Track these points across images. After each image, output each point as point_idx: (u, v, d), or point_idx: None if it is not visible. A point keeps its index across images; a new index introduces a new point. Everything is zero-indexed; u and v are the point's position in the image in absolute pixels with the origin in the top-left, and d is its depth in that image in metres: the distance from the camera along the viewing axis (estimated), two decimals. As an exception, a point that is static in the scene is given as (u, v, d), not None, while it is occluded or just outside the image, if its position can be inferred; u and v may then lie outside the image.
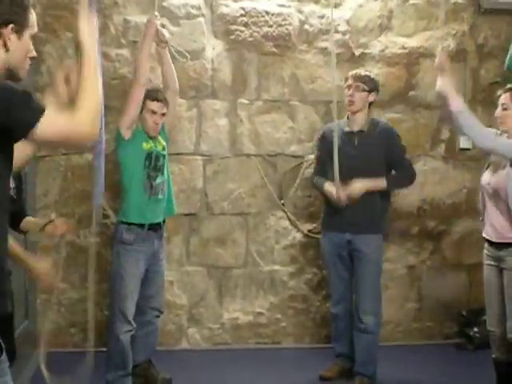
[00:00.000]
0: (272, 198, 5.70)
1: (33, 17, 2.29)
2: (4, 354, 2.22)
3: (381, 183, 4.72)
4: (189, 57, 4.96)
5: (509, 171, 3.95)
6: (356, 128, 4.78)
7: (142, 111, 4.55)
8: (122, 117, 4.56)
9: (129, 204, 4.56)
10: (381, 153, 4.74)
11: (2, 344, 2.20)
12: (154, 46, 4.71)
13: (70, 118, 2.17)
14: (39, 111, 2.09)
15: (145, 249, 4.55)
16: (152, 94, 4.57)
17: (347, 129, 4.80)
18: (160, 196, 4.61)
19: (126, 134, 4.53)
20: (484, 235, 4.19)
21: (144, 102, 4.53)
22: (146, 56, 4.52)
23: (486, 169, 4.20)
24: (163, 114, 4.61)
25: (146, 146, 4.57)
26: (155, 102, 4.55)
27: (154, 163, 4.59)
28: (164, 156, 4.68)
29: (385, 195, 4.84)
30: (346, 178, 4.64)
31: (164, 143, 4.73)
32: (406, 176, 4.88)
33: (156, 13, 4.68)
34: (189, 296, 5.65)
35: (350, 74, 4.82)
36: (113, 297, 4.59)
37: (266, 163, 5.70)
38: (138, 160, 4.55)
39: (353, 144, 4.76)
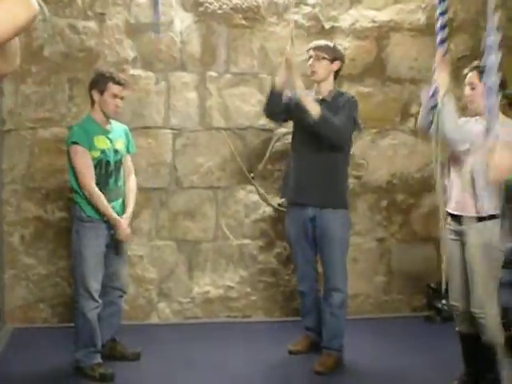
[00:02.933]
0: (241, 172, 5.68)
1: None
2: None
3: (316, 107, 4.60)
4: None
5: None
6: (321, 96, 4.76)
7: (102, 93, 4.48)
8: (76, 162, 4.44)
9: (82, 202, 4.49)
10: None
11: None
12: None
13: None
14: None
15: (104, 225, 4.51)
16: (115, 78, 4.50)
17: (314, 97, 4.78)
18: (114, 202, 4.56)
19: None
20: (449, 210, 4.20)
21: (106, 85, 4.46)
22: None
23: None
24: (123, 98, 4.55)
25: (95, 154, 4.45)
26: (117, 86, 4.49)
27: (104, 170, 4.50)
28: (119, 158, 4.60)
29: (344, 168, 4.82)
30: (306, 143, 4.69)
31: (123, 144, 4.65)
32: (331, 121, 4.59)
33: None
34: (158, 270, 5.64)
35: (310, 44, 4.78)
36: (75, 275, 4.54)
37: (236, 136, 5.67)
38: None
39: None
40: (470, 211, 4.02)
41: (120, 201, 4.64)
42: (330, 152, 4.66)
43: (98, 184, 4.46)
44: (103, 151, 4.49)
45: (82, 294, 4.46)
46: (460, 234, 4.09)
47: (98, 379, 4.44)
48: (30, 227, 5.44)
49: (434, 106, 3.99)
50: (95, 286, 4.47)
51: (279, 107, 4.76)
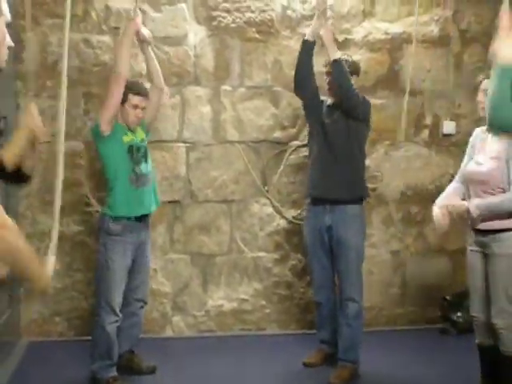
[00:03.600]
0: (256, 185, 5.69)
1: (4, 4, 2.25)
2: None
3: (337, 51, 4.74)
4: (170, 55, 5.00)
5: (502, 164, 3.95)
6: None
7: (123, 103, 4.51)
8: (101, 112, 4.53)
9: (116, 198, 4.52)
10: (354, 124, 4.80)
11: None
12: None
13: None
14: None
15: (132, 239, 4.53)
16: (135, 88, 4.55)
17: (330, 102, 4.88)
18: (146, 187, 4.59)
19: (106, 130, 4.48)
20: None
21: (126, 96, 4.49)
22: (125, 51, 4.49)
23: (471, 158, 4.19)
24: (144, 108, 4.59)
25: (126, 138, 4.54)
26: (138, 96, 4.53)
27: (136, 155, 4.56)
28: (144, 147, 4.66)
29: (361, 163, 4.86)
30: (327, 151, 4.76)
31: (143, 135, 4.70)
32: (348, 75, 4.73)
33: (138, 10, 4.65)
34: (173, 284, 5.64)
35: (329, 61, 4.80)
36: (99, 288, 4.56)
37: (250, 150, 5.68)
38: (121, 154, 4.51)
39: (331, 116, 4.82)
40: (494, 225, 4.00)
41: (154, 187, 4.68)
42: (346, 146, 4.73)
43: (133, 169, 4.52)
44: (132, 140, 4.58)
45: (104, 308, 4.47)
46: (482, 245, 4.07)
47: (113, 393, 4.46)
48: (45, 240, 5.45)
49: None
50: (118, 299, 4.49)
51: (310, 65, 4.85)
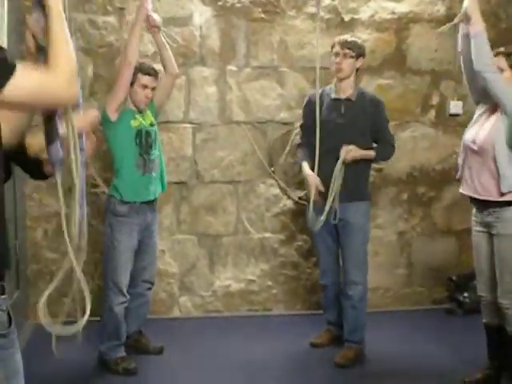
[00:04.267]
0: (262, 166, 5.69)
1: None
2: (13, 324, 2.19)
3: (370, 153, 4.71)
4: (179, 41, 4.96)
5: (497, 125, 3.96)
6: (343, 95, 4.74)
7: (132, 84, 4.49)
8: (109, 98, 4.52)
9: (122, 182, 4.52)
10: (367, 122, 4.70)
11: (11, 314, 2.18)
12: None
13: (44, 75, 2.00)
14: (8, 68, 1.93)
15: (138, 221, 4.53)
16: (144, 68, 4.53)
17: (334, 95, 4.76)
18: (154, 173, 4.59)
19: (114, 115, 4.47)
20: (466, 192, 4.18)
21: (136, 76, 4.47)
22: (136, 39, 4.46)
23: (471, 127, 4.20)
24: (153, 88, 4.57)
25: (134, 123, 4.53)
26: (147, 76, 4.51)
27: (144, 140, 4.55)
28: (154, 131, 4.64)
29: (367, 163, 4.82)
30: (331, 145, 4.62)
31: (152, 118, 4.68)
32: (389, 148, 4.82)
33: None
34: (180, 264, 5.66)
35: (337, 40, 4.73)
36: (106, 269, 4.58)
37: (256, 130, 5.67)
38: (129, 139, 4.50)
39: (339, 111, 4.72)
40: (493, 195, 4.00)
41: (158, 174, 4.65)
42: (351, 140, 4.66)
43: (140, 155, 4.51)
44: (141, 124, 4.56)
45: (112, 288, 4.49)
46: (487, 226, 4.08)
47: (121, 373, 4.49)
48: (52, 222, 5.47)
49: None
50: (125, 280, 4.51)
51: None
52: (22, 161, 2.56)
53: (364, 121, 4.70)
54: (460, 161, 4.28)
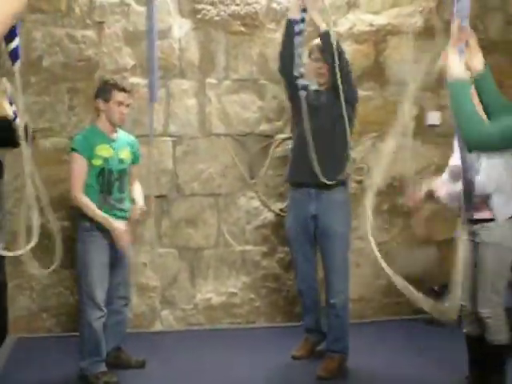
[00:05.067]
0: (242, 178, 5.69)
1: None
2: None
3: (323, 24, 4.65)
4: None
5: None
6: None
7: (107, 102, 4.48)
8: (72, 167, 4.52)
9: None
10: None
11: None
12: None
13: None
14: None
15: (109, 235, 4.51)
16: (119, 85, 4.51)
17: (315, 87, 4.83)
18: (118, 213, 4.56)
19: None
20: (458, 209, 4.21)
21: (110, 93, 4.47)
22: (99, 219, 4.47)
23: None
24: (128, 105, 4.56)
25: (96, 162, 4.47)
26: (122, 93, 4.50)
27: (107, 178, 4.52)
28: (120, 170, 4.58)
29: (346, 144, 4.75)
30: (313, 134, 4.63)
31: (128, 153, 4.64)
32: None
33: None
34: (161, 278, 5.64)
35: (315, 44, 4.75)
36: (81, 284, 4.55)
37: (236, 143, 5.68)
38: (91, 174, 4.49)
39: (319, 99, 4.78)
40: (482, 214, 4.03)
41: (124, 214, 4.62)
42: (332, 129, 4.67)
43: (101, 192, 4.48)
44: (106, 160, 4.50)
45: (88, 304, 4.46)
46: (471, 234, 4.09)
47: (102, 388, 4.46)
48: (34, 236, 5.42)
49: None
50: (101, 295, 4.47)
51: (295, 44, 4.69)
52: None
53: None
54: (445, 177, 4.31)
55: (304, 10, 4.61)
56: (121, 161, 4.59)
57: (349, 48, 5.68)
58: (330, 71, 4.65)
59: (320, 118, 4.69)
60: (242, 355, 5.08)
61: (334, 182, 4.67)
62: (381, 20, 5.77)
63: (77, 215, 4.61)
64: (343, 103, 4.51)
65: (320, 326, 4.97)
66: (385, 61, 5.82)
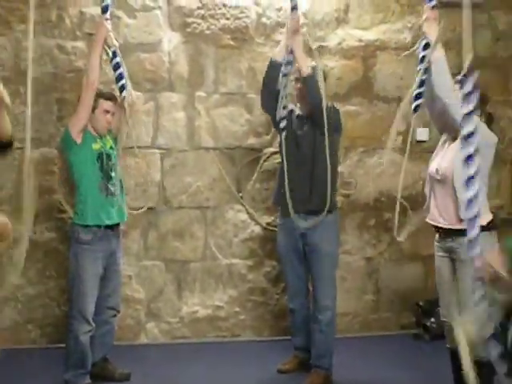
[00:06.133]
0: (230, 192, 5.69)
1: None
2: None
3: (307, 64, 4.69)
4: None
5: (455, 156, 3.99)
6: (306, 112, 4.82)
7: (93, 110, 4.52)
8: (72, 120, 4.54)
9: (85, 206, 4.53)
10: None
11: None
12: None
13: None
14: None
15: (102, 248, 4.52)
16: (105, 94, 4.59)
17: (298, 112, 4.85)
18: (116, 196, 4.59)
19: (78, 137, 4.50)
20: (431, 222, 4.22)
21: (97, 101, 4.51)
22: (97, 60, 4.51)
23: (435, 156, 4.25)
24: (113, 114, 4.61)
25: (95, 146, 4.56)
26: (108, 102, 4.56)
27: (106, 162, 4.57)
28: (114, 155, 4.66)
29: (333, 173, 4.74)
30: (300, 163, 4.71)
31: (111, 142, 4.71)
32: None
33: (107, 15, 4.62)
34: (147, 290, 5.63)
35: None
36: (71, 297, 4.55)
37: (224, 156, 5.68)
38: (91, 162, 4.53)
39: (302, 128, 4.79)
40: (454, 223, 4.04)
41: (120, 198, 4.64)
42: (317, 157, 4.68)
43: (101, 178, 4.52)
44: (101, 147, 4.59)
45: (76, 317, 4.45)
46: (448, 251, 4.10)
47: (86, 400, 4.44)
48: (18, 247, 5.41)
49: None
50: (90, 309, 4.47)
51: (276, 84, 4.73)
52: None
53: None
54: (426, 191, 4.33)
55: (291, 52, 4.65)
56: (111, 148, 4.67)
57: (337, 63, 5.72)
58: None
59: (303, 147, 4.74)
60: (227, 369, 5.06)
61: (320, 210, 4.66)
62: (370, 36, 5.80)
63: (70, 229, 4.62)
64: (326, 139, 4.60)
65: (309, 345, 4.94)
66: (374, 76, 5.84)
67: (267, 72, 4.83)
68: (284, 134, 4.78)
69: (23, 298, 5.45)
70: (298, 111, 4.88)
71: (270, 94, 4.80)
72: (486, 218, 3.99)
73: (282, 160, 4.82)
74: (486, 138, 3.92)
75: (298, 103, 4.88)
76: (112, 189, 4.57)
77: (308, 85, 4.64)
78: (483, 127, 3.99)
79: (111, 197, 4.56)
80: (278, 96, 4.73)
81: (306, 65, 4.64)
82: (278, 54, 4.78)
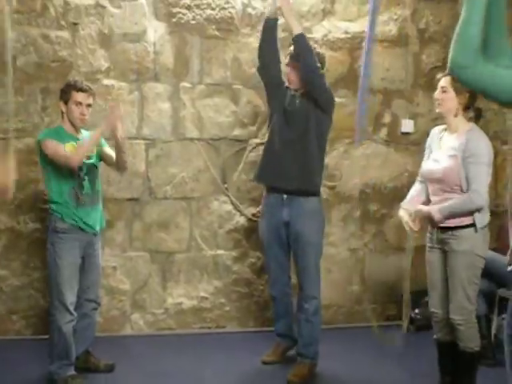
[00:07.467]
0: (215, 183, 5.68)
1: None
2: None
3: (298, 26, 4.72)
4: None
5: (456, 161, 3.99)
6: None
7: (67, 103, 4.46)
8: (48, 150, 4.41)
9: (58, 208, 4.46)
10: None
11: None
12: None
13: None
14: None
15: (80, 237, 4.47)
16: (77, 85, 4.46)
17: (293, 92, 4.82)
18: (91, 207, 4.52)
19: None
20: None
21: (69, 93, 4.43)
22: (93, 146, 4.49)
23: (428, 157, 4.24)
24: (89, 105, 4.51)
25: (69, 149, 4.44)
26: (81, 93, 4.45)
27: (77, 173, 4.46)
28: (91, 164, 4.55)
29: (320, 154, 4.77)
30: (282, 126, 4.70)
31: (95, 151, 4.60)
32: (312, 48, 4.68)
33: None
34: (132, 281, 5.61)
35: (289, 52, 4.75)
36: (51, 287, 4.50)
37: (209, 147, 5.67)
38: (61, 170, 4.44)
39: (294, 104, 4.76)
40: (452, 221, 4.05)
41: (98, 208, 4.60)
42: (305, 136, 4.65)
43: (73, 188, 4.44)
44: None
45: (58, 307, 4.42)
46: (441, 242, 4.11)
47: (71, 391, 4.42)
48: (2, 238, 5.39)
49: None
50: (71, 298, 4.43)
51: (274, 43, 4.74)
52: None
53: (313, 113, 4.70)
54: (413, 192, 4.33)
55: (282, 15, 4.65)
56: (88, 156, 4.53)
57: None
58: (299, 77, 4.66)
59: (294, 123, 4.70)
60: (212, 360, 5.06)
61: (304, 189, 4.67)
62: (356, 27, 5.80)
63: (48, 216, 4.57)
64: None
65: (292, 332, 4.98)
66: (359, 68, 5.84)
67: (264, 29, 4.77)
68: (277, 105, 4.75)
69: (8, 288, 5.43)
70: (292, 91, 4.78)
71: (267, 53, 4.76)
72: (485, 218, 4.04)
73: (272, 133, 4.78)
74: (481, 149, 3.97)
75: (290, 84, 4.78)
76: (85, 200, 4.48)
77: (299, 45, 4.58)
78: (483, 137, 4.04)
79: (83, 208, 4.47)
80: (277, 55, 4.74)
81: (296, 25, 4.62)
82: (271, 12, 4.75)
